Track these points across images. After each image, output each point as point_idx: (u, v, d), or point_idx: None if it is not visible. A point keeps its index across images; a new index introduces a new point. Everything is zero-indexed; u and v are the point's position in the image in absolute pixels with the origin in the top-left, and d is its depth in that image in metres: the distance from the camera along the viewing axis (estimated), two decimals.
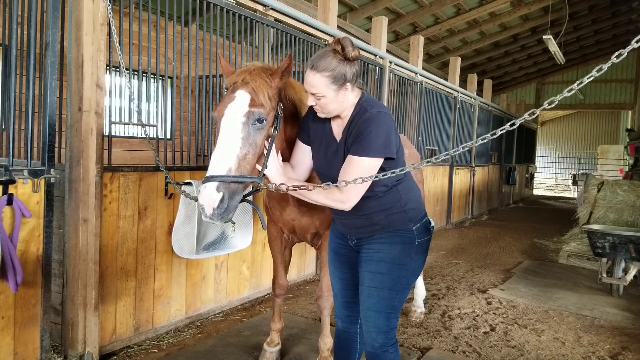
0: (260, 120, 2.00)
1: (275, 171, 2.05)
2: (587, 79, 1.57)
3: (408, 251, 2.08)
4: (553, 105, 1.62)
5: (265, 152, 2.04)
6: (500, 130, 1.76)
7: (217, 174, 1.89)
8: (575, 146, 24.85)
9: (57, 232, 2.85)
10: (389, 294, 2.08)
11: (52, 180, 2.55)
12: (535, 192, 19.36)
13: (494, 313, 4.26)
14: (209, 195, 1.87)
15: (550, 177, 24.11)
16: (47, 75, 2.46)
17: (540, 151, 22.73)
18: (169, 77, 3.44)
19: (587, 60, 18.99)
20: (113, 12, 2.80)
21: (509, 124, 1.74)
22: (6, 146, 2.78)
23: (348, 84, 1.97)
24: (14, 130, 2.49)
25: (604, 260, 5.11)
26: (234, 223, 2.63)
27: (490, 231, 9.07)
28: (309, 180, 2.29)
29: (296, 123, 2.32)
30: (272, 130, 2.07)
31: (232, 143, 1.94)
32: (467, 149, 1.83)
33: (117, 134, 5.51)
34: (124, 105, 3.01)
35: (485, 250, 7.23)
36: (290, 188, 2.02)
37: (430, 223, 2.20)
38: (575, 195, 18.84)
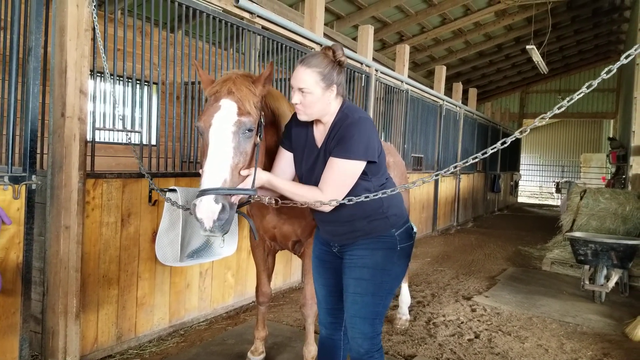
0: (250, 130, 2.01)
1: (260, 179, 2.05)
2: (578, 95, 1.62)
3: (390, 257, 2.10)
4: (544, 123, 1.67)
5: (254, 162, 2.05)
6: (492, 149, 1.80)
7: (213, 186, 1.87)
8: (558, 154, 25.24)
9: (38, 240, 2.80)
10: (373, 299, 2.09)
11: (34, 186, 2.52)
12: (520, 199, 19.57)
13: (479, 320, 4.29)
14: (208, 208, 1.84)
15: (534, 185, 24.40)
16: (29, 81, 2.44)
17: (525, 159, 23.02)
18: (154, 83, 3.42)
19: (570, 70, 19.39)
20: (98, 17, 2.79)
21: (518, 131, 1.77)
22: None
23: (334, 86, 2.01)
24: None
25: (587, 267, 5.18)
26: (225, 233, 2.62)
27: (475, 238, 9.13)
28: None
29: (275, 131, 2.35)
30: (257, 138, 2.08)
31: (224, 153, 1.93)
32: (457, 169, 1.86)
33: (102, 140, 5.46)
34: (108, 111, 2.98)
35: (470, 257, 7.28)
36: (282, 203, 2.04)
37: (412, 229, 2.23)
38: (558, 202, 19.14)
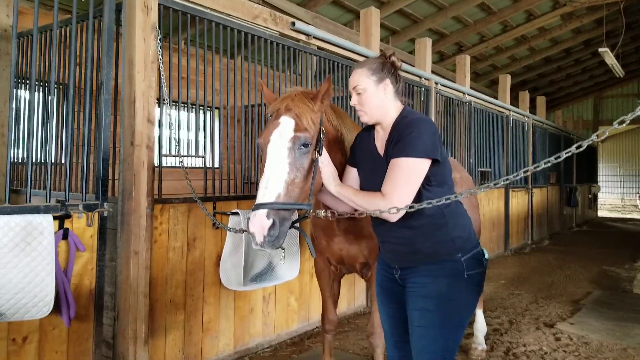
0: (305, 145, 2.01)
1: (329, 174, 2.06)
2: None
3: (456, 285, 1.90)
4: (624, 125, 1.44)
5: (311, 176, 2.03)
6: (566, 153, 1.55)
7: (267, 201, 1.89)
8: None
9: (110, 265, 2.89)
10: (441, 333, 1.90)
11: (106, 213, 2.60)
12: (600, 213, 18.11)
13: (564, 351, 3.87)
14: (260, 223, 1.86)
15: (615, 197, 22.54)
16: (101, 112, 2.55)
17: (603, 170, 21.42)
18: (216, 108, 3.49)
19: None
20: (163, 48, 2.90)
21: (595, 134, 1.53)
22: (63, 180, 2.88)
23: (387, 80, 1.99)
24: (71, 165, 2.57)
25: None
26: (284, 249, 2.58)
27: (553, 258, 8.44)
28: None
29: (339, 149, 2.31)
30: (316, 153, 2.06)
31: (279, 169, 1.95)
32: (528, 173, 1.66)
33: (168, 164, 5.67)
34: (174, 137, 3.06)
35: (549, 279, 6.70)
36: (338, 214, 2.00)
37: (483, 254, 2.01)
38: None
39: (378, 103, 1.98)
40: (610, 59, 10.40)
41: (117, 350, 2.90)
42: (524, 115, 9.75)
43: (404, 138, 1.86)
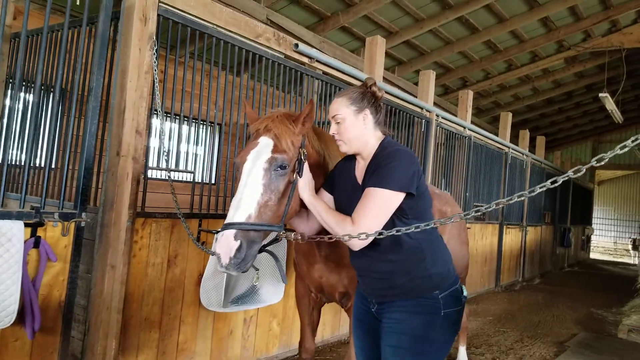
0: (282, 167, 1.97)
1: (305, 184, 2.01)
2: None
3: (432, 323, 1.85)
4: (602, 163, 1.40)
5: (287, 198, 1.99)
6: (562, 178, 1.51)
7: (236, 221, 1.83)
8: (635, 208, 23.25)
9: (85, 277, 2.78)
10: None
11: (83, 224, 2.51)
12: (592, 255, 18.06)
13: None
14: (227, 244, 1.79)
15: (608, 240, 22.51)
16: (87, 120, 2.48)
17: (598, 212, 21.41)
18: (218, 124, 3.45)
19: None
20: (161, 59, 2.86)
21: (550, 180, 1.54)
22: (40, 185, 2.79)
23: (367, 111, 1.96)
24: (49, 170, 2.49)
25: None
26: (258, 270, 2.50)
27: (542, 297, 8.37)
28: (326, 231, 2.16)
29: (322, 173, 2.26)
30: (295, 176, 2.02)
31: (252, 189, 1.90)
32: (512, 201, 1.60)
33: (157, 177, 5.58)
34: (164, 149, 2.99)
35: (536, 317, 6.63)
36: (308, 238, 1.95)
37: (462, 292, 1.96)
38: (635, 261, 17.46)
39: (357, 133, 1.97)
40: (610, 104, 10.49)
41: None
42: (522, 154, 9.77)
43: (381, 168, 1.84)
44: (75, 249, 2.48)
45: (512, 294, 8.49)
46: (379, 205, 1.80)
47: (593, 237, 18.02)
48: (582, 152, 19.84)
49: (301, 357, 2.86)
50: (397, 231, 1.76)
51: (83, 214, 2.49)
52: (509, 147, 8.94)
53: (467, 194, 7.27)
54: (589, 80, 12.67)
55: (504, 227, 8.77)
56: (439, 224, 1.70)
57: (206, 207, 3.48)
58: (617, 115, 11.53)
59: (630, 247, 18.53)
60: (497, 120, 13.28)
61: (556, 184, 1.51)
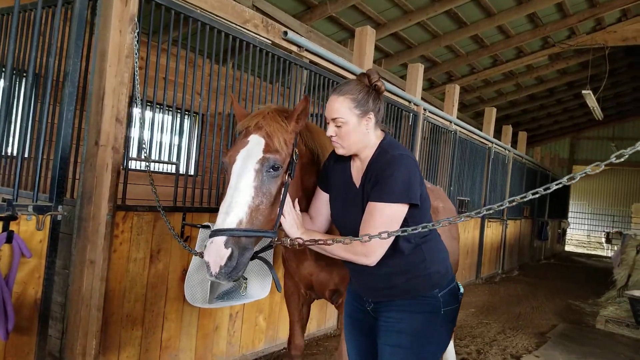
0: (275, 168, 1.83)
1: (292, 222, 1.86)
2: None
3: (432, 322, 1.82)
4: (622, 160, 1.36)
5: (280, 202, 1.85)
6: (556, 185, 1.46)
7: (226, 227, 1.69)
8: (608, 203, 23.87)
9: (62, 273, 2.64)
10: None
11: (59, 217, 2.36)
12: (567, 248, 18.50)
13: None
14: (217, 252, 1.66)
15: (582, 234, 23.11)
16: (64, 107, 2.32)
17: (573, 206, 21.90)
18: (196, 114, 3.30)
19: (624, 117, 18.52)
20: (143, 45, 2.70)
21: (566, 177, 1.46)
22: (13, 175, 2.62)
23: (371, 114, 1.82)
24: (23, 160, 2.32)
25: None
26: (246, 279, 2.38)
27: (521, 288, 8.55)
28: (329, 231, 2.09)
29: (315, 171, 2.14)
30: (287, 177, 1.89)
31: (243, 192, 1.75)
32: (514, 203, 1.53)
33: (139, 168, 5.39)
34: (147, 139, 2.83)
35: (517, 309, 6.75)
36: (306, 242, 1.80)
37: (459, 289, 1.93)
38: (609, 254, 17.94)
39: (358, 138, 1.83)
40: (592, 101, 10.66)
41: None
42: (505, 149, 9.86)
43: (383, 181, 1.73)
44: (51, 244, 2.33)
45: (493, 285, 8.63)
46: (387, 220, 1.71)
47: (568, 230, 18.42)
48: (561, 148, 20.22)
49: (290, 354, 2.78)
50: (404, 231, 1.67)
51: (59, 207, 2.33)
52: (492, 142, 9.01)
53: (452, 188, 7.29)
54: (571, 78, 12.87)
55: (486, 220, 8.86)
56: (447, 223, 1.60)
57: (190, 200, 3.35)
58: (598, 112, 11.73)
59: (604, 240, 19.06)
60: (479, 116, 13.38)
61: (549, 191, 1.47)
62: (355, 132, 1.81)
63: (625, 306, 6.20)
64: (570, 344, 5.11)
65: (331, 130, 1.84)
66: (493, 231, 9.44)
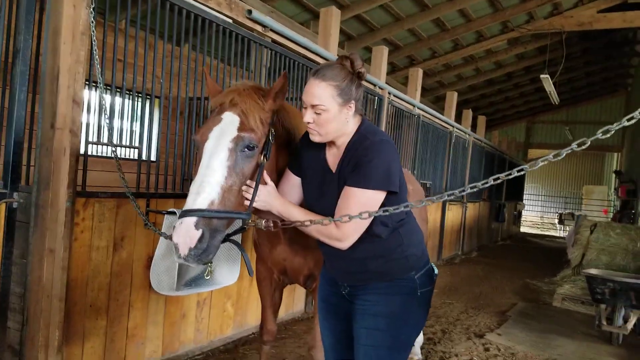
0: (250, 147, 1.76)
1: (269, 191, 1.79)
2: (597, 136, 1.41)
3: (409, 304, 1.82)
4: (608, 135, 1.42)
5: (254, 183, 1.78)
6: (517, 172, 1.52)
7: (197, 207, 1.62)
8: (560, 185, 25.03)
9: (20, 262, 2.51)
10: (389, 353, 1.81)
11: (15, 205, 2.24)
12: (522, 229, 19.29)
13: None
14: (186, 233, 1.59)
15: (535, 215, 24.16)
16: (15, 87, 2.18)
17: (527, 189, 22.82)
18: (156, 97, 3.18)
19: (577, 101, 19.30)
20: (102, 26, 2.56)
21: (528, 164, 1.51)
22: None
23: (352, 103, 1.76)
24: None
25: (603, 306, 4.86)
26: (211, 263, 2.32)
27: (481, 269, 8.85)
28: None
29: (290, 153, 2.08)
30: (262, 158, 1.82)
31: (216, 172, 1.69)
32: (487, 185, 1.57)
33: (97, 154, 5.18)
34: (104, 123, 2.71)
35: (477, 289, 7.00)
36: (282, 225, 1.76)
37: (433, 271, 1.94)
38: (561, 234, 18.84)
39: (338, 126, 1.76)
40: (549, 85, 11.01)
41: (24, 358, 2.52)
42: (465, 133, 10.09)
43: (362, 166, 1.69)
44: (7, 232, 2.22)
45: (453, 267, 8.90)
46: (362, 206, 1.66)
47: (523, 212, 19.18)
48: (517, 132, 20.91)
49: (262, 340, 2.76)
50: (385, 211, 1.63)
51: (15, 194, 2.22)
52: (453, 127, 9.19)
53: (415, 172, 7.41)
54: (529, 62, 13.27)
55: (447, 204, 9.08)
56: (420, 205, 1.60)
57: (153, 186, 3.26)
58: (555, 97, 12.14)
59: (556, 221, 19.94)
60: (440, 100, 13.63)
61: (522, 172, 1.50)
62: (335, 120, 1.74)
63: (581, 284, 6.48)
64: (530, 321, 5.34)
65: (309, 116, 1.75)
66: (453, 214, 9.69)
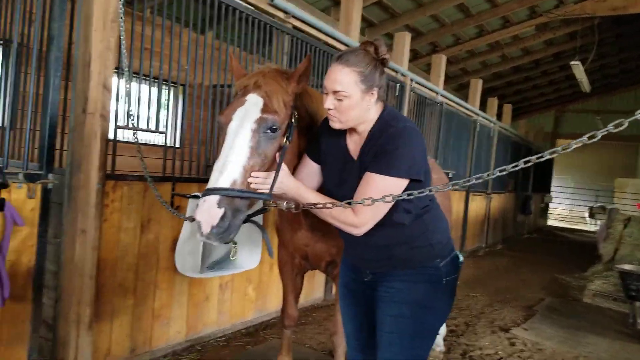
0: (273, 129, 1.77)
1: (284, 174, 1.78)
2: (624, 125, 1.32)
3: (434, 292, 1.81)
4: (621, 128, 1.36)
5: (276, 165, 1.78)
6: (538, 158, 1.46)
7: (220, 186, 1.65)
8: (590, 177, 24.26)
9: (54, 242, 2.64)
10: (413, 341, 1.80)
11: (50, 186, 2.35)
12: (550, 222, 18.84)
13: (519, 356, 3.90)
14: (209, 211, 1.62)
15: (564, 208, 23.52)
16: (50, 72, 2.28)
17: (555, 181, 22.27)
18: (181, 85, 3.26)
19: (610, 90, 18.59)
20: (129, 16, 2.63)
21: (548, 151, 1.46)
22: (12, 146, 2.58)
23: (375, 89, 1.74)
24: (12, 129, 2.30)
25: (638, 304, 4.73)
26: (236, 244, 2.37)
27: (506, 262, 8.66)
28: None
29: (309, 137, 2.08)
30: (285, 141, 1.83)
31: (239, 152, 1.70)
32: (504, 173, 1.54)
33: (126, 139, 5.33)
34: (133, 109, 2.80)
35: (503, 283, 6.81)
36: (303, 206, 1.75)
37: (458, 258, 1.92)
38: (591, 228, 18.31)
39: (359, 113, 1.74)
40: (580, 73, 10.59)
41: (58, 334, 2.66)
42: (490, 121, 9.90)
43: (388, 153, 1.66)
44: (43, 212, 2.33)
45: (477, 259, 8.76)
46: (382, 193, 1.63)
47: (550, 205, 18.75)
48: (546, 121, 20.35)
49: (284, 324, 2.79)
50: (409, 194, 1.60)
51: (50, 175, 2.33)
52: (478, 115, 9.04)
53: (437, 160, 7.34)
54: (558, 49, 12.83)
55: (470, 194, 8.97)
56: (436, 191, 1.58)
57: (179, 171, 3.35)
58: (586, 84, 11.70)
59: (587, 214, 19.36)
60: (464, 88, 13.37)
61: (529, 164, 1.46)
62: (357, 107, 1.71)
63: (613, 280, 6.27)
64: (559, 317, 5.17)
65: (330, 102, 1.73)
66: (478, 205, 9.54)
